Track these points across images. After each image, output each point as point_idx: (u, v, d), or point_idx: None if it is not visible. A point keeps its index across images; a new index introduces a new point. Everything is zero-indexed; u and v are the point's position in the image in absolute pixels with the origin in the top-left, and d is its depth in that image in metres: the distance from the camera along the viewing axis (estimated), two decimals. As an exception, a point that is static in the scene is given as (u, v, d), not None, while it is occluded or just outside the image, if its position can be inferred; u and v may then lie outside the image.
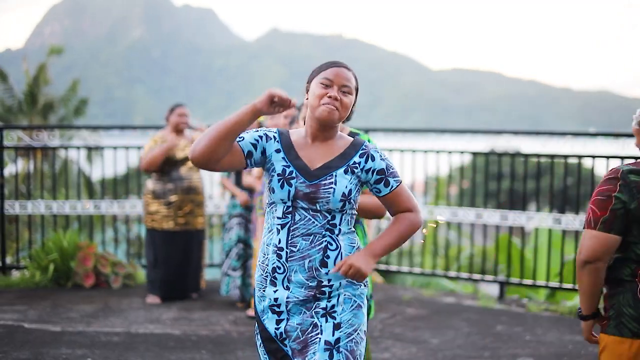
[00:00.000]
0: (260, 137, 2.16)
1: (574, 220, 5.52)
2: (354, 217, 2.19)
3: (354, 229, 2.20)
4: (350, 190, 2.11)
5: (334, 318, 2.11)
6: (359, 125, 6.64)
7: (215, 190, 6.69)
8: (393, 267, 6.61)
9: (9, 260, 6.47)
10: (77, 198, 6.42)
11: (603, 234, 2.14)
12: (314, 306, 2.12)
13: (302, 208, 2.10)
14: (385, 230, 2.16)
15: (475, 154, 6.37)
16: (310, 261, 2.10)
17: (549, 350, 4.30)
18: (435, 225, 6.46)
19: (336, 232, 2.12)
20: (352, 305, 2.14)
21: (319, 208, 2.09)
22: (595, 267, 2.16)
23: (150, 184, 5.42)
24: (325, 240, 2.11)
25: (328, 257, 2.11)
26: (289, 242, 2.10)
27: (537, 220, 5.77)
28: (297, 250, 2.10)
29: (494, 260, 6.31)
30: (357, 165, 2.13)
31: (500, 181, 6.67)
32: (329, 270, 2.10)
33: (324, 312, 2.11)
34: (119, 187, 7.43)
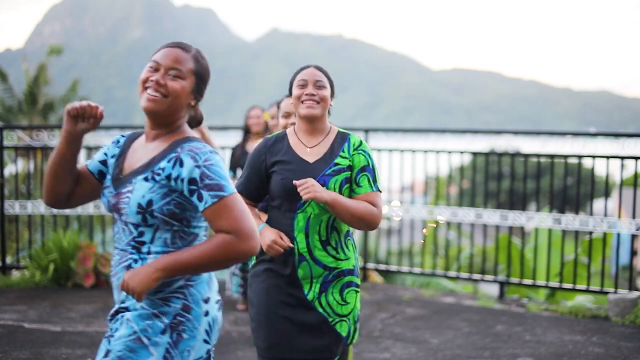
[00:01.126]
0: (108, 148, 1.95)
1: (573, 220, 5.52)
2: (188, 235, 1.84)
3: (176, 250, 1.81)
4: (151, 200, 1.75)
5: (109, 342, 1.80)
6: (359, 126, 6.65)
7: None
8: (393, 267, 6.61)
9: (9, 260, 6.47)
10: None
11: None
12: None
13: (118, 220, 1.85)
14: (194, 245, 1.76)
15: (475, 154, 6.37)
16: (118, 279, 1.83)
17: (548, 350, 4.30)
18: (435, 225, 6.46)
19: (144, 250, 1.79)
20: (130, 335, 1.77)
21: (124, 220, 1.81)
22: None
23: None
24: (131, 259, 1.80)
25: None
26: (114, 255, 1.88)
27: (537, 220, 5.77)
28: (113, 266, 1.86)
29: (494, 260, 6.31)
30: (161, 171, 1.77)
31: (500, 181, 6.67)
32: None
33: (110, 333, 1.83)
34: (119, 187, 7.42)
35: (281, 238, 2.39)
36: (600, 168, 5.26)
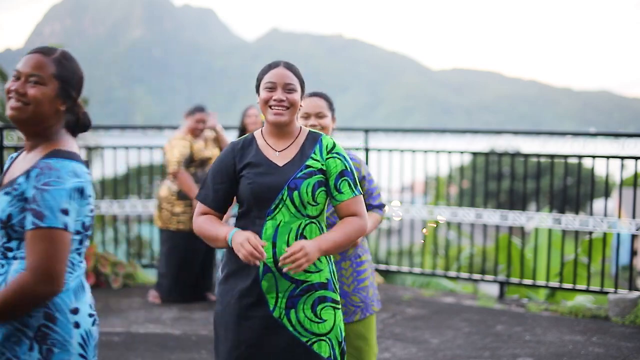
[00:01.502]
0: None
1: (573, 220, 5.52)
2: None
3: None
4: (10, 214, 1.73)
5: None
6: (359, 126, 6.64)
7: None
8: (393, 267, 6.61)
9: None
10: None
11: None
12: None
13: None
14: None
15: (475, 154, 6.37)
16: None
17: (548, 350, 4.30)
18: (435, 225, 6.46)
19: (10, 256, 1.78)
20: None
21: None
22: None
23: (175, 185, 5.31)
24: None
25: None
26: None
27: (537, 220, 5.77)
28: None
29: (494, 260, 6.31)
30: (18, 185, 1.75)
31: (500, 181, 6.68)
32: None
33: None
34: (118, 187, 7.43)
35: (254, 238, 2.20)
36: (600, 168, 5.26)
